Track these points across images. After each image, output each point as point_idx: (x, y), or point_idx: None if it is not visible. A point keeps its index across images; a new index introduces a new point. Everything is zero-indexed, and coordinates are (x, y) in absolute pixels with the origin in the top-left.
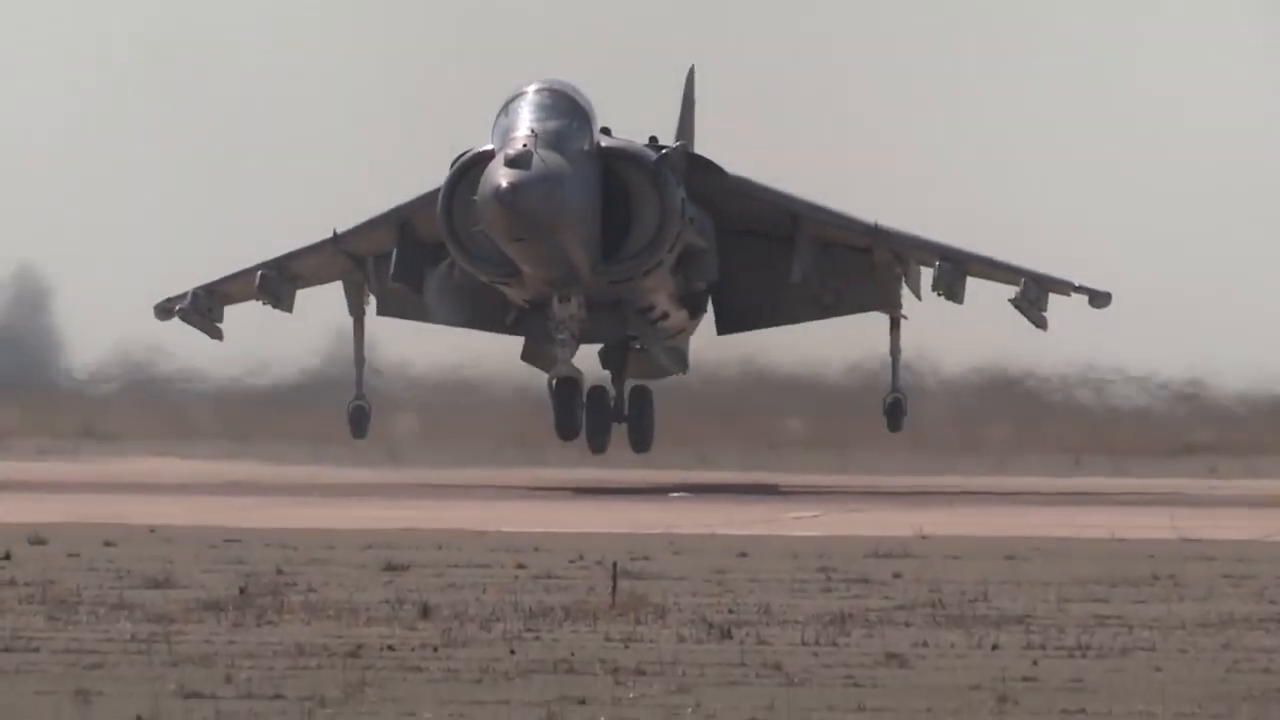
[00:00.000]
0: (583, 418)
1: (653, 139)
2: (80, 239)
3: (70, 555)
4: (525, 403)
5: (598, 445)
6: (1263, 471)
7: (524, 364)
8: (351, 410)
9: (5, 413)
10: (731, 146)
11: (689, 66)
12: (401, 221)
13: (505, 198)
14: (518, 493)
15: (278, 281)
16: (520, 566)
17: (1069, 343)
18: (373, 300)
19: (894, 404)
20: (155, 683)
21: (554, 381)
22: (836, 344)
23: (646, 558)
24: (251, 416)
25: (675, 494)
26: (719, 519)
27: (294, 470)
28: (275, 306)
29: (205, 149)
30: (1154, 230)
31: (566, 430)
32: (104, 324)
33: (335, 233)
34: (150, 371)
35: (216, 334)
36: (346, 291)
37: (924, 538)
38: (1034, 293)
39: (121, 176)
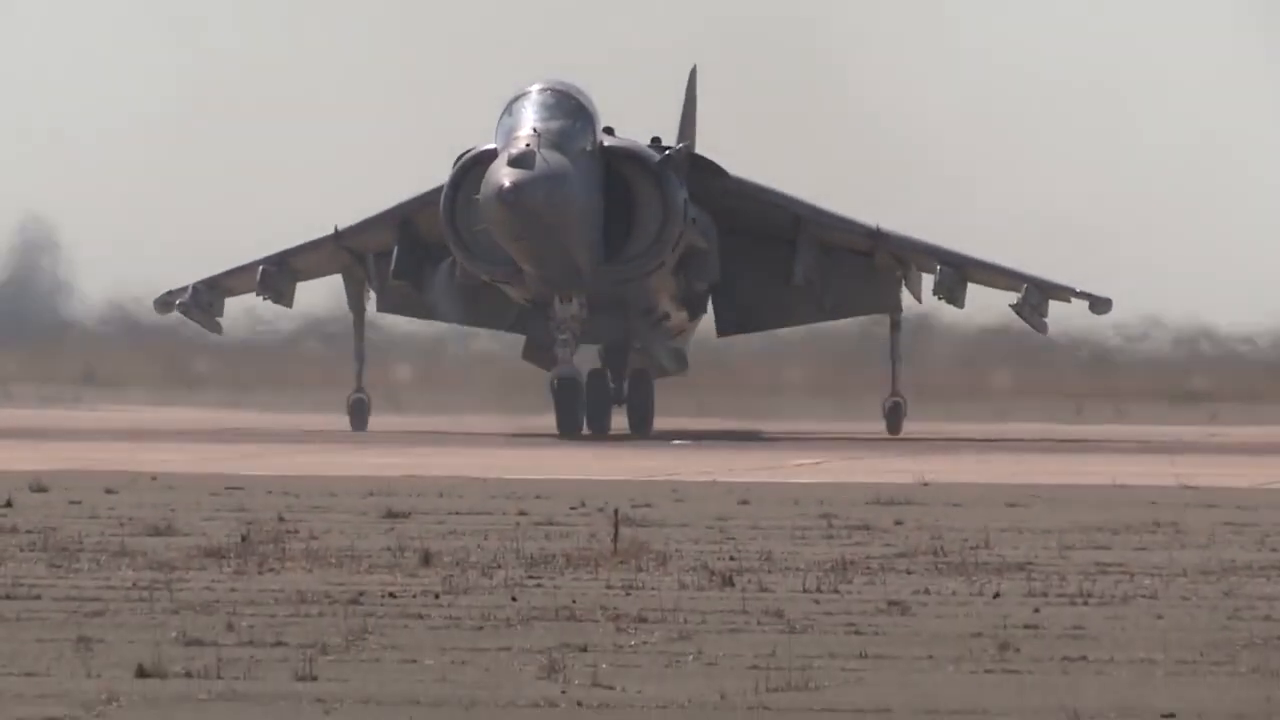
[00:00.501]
0: (584, 416)
1: (655, 139)
2: (84, 189)
3: (72, 502)
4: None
5: (598, 429)
6: (1263, 418)
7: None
8: (352, 403)
9: (7, 360)
10: (733, 148)
11: (692, 66)
12: (403, 219)
13: (507, 197)
14: (519, 440)
15: (278, 277)
16: (521, 513)
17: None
18: (373, 297)
19: (893, 407)
20: (156, 630)
21: (555, 381)
22: None
23: (648, 505)
24: (253, 364)
25: (677, 441)
26: (720, 466)
27: (295, 418)
28: (276, 301)
29: (210, 139)
30: (1155, 184)
31: (568, 429)
32: (106, 271)
33: (337, 229)
34: (152, 319)
35: (216, 328)
36: (347, 286)
37: (925, 485)
38: (1035, 298)
39: (129, 142)
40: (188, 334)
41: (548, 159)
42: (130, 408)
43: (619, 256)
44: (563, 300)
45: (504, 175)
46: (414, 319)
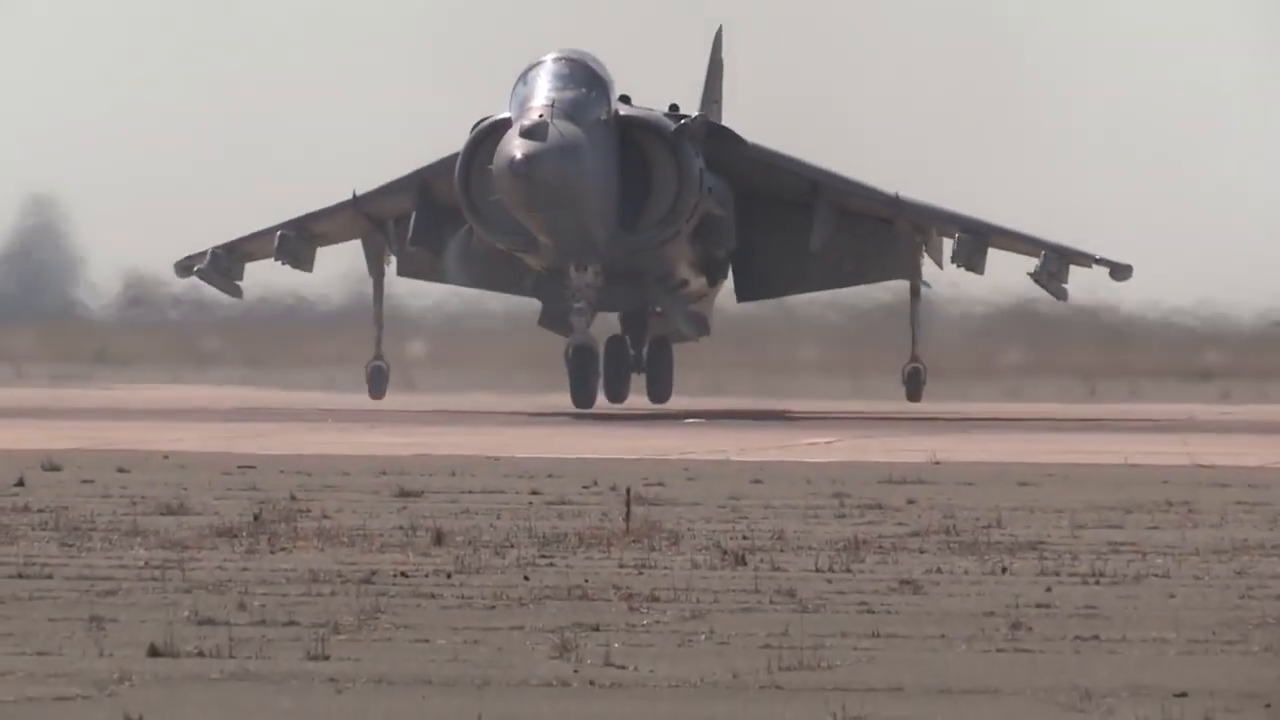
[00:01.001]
0: (598, 387)
1: (674, 106)
2: (96, 166)
3: (84, 481)
4: (539, 328)
5: (616, 395)
6: (1276, 397)
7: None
8: (370, 370)
9: (20, 338)
10: (755, 114)
11: (717, 27)
12: (421, 185)
13: (519, 169)
14: (531, 418)
15: (297, 242)
16: (534, 492)
17: (1083, 269)
18: (393, 261)
19: (913, 373)
20: (169, 609)
21: (570, 350)
22: None
23: (660, 484)
24: (265, 342)
25: (690, 420)
26: (733, 445)
27: (308, 396)
28: (295, 267)
29: (228, 105)
30: (1170, 161)
31: (582, 400)
32: (118, 249)
33: (355, 195)
34: (164, 297)
35: (236, 292)
36: (366, 252)
37: (938, 464)
38: (1054, 265)
39: (142, 115)
40: (201, 310)
41: (561, 130)
42: (142, 385)
43: (634, 225)
44: (578, 269)
45: (516, 147)
46: (432, 284)
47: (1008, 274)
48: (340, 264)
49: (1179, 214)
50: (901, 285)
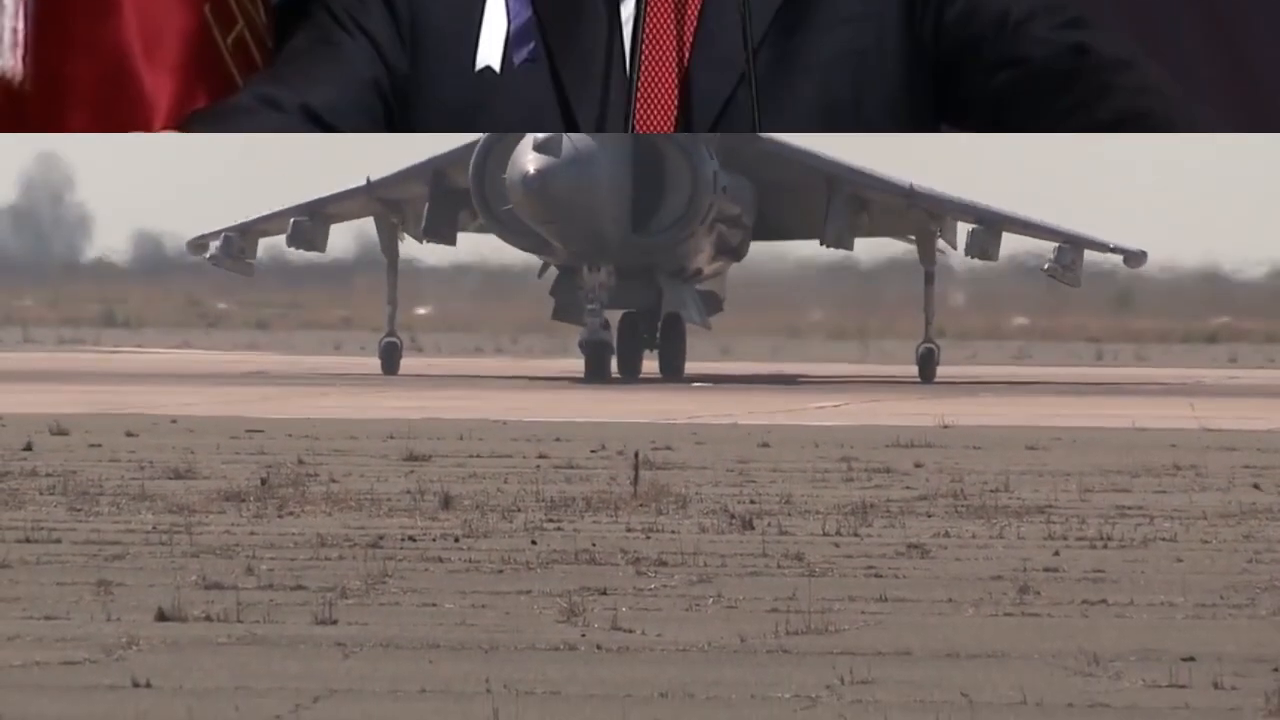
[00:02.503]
0: (612, 370)
1: None
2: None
3: (91, 446)
4: (546, 292)
5: (629, 373)
6: None
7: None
8: (383, 346)
9: (27, 301)
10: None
11: None
12: (435, 173)
13: (533, 184)
14: (539, 382)
15: (310, 228)
16: (541, 456)
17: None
18: (406, 239)
19: (926, 353)
20: (176, 574)
21: (584, 343)
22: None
23: (668, 447)
24: (274, 305)
25: (697, 384)
26: (741, 409)
27: (315, 360)
28: (309, 250)
29: None
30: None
31: (598, 383)
32: (126, 212)
33: (369, 180)
34: (172, 261)
35: (248, 271)
36: (379, 231)
37: (945, 427)
38: (1068, 257)
39: None
40: (210, 273)
41: (575, 142)
42: (149, 349)
43: (648, 228)
44: (591, 270)
45: (530, 161)
46: (440, 247)
47: (1015, 241)
48: (351, 228)
49: (1185, 179)
50: (909, 249)
